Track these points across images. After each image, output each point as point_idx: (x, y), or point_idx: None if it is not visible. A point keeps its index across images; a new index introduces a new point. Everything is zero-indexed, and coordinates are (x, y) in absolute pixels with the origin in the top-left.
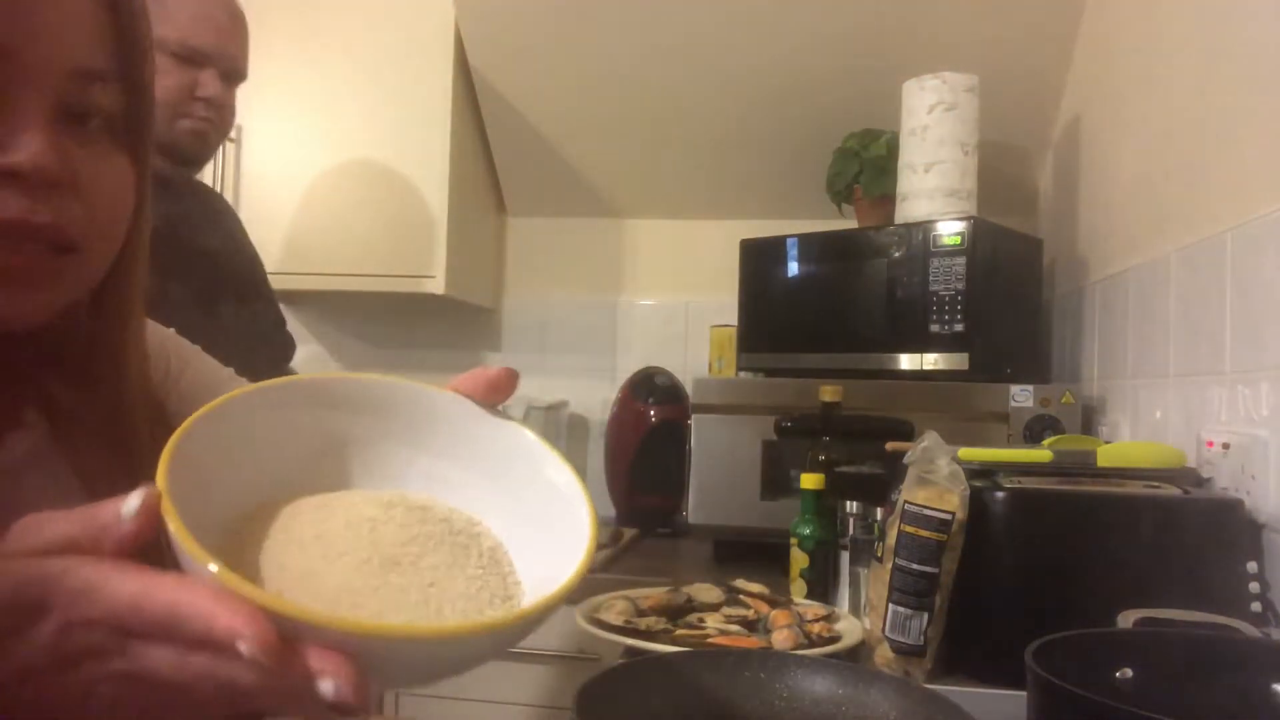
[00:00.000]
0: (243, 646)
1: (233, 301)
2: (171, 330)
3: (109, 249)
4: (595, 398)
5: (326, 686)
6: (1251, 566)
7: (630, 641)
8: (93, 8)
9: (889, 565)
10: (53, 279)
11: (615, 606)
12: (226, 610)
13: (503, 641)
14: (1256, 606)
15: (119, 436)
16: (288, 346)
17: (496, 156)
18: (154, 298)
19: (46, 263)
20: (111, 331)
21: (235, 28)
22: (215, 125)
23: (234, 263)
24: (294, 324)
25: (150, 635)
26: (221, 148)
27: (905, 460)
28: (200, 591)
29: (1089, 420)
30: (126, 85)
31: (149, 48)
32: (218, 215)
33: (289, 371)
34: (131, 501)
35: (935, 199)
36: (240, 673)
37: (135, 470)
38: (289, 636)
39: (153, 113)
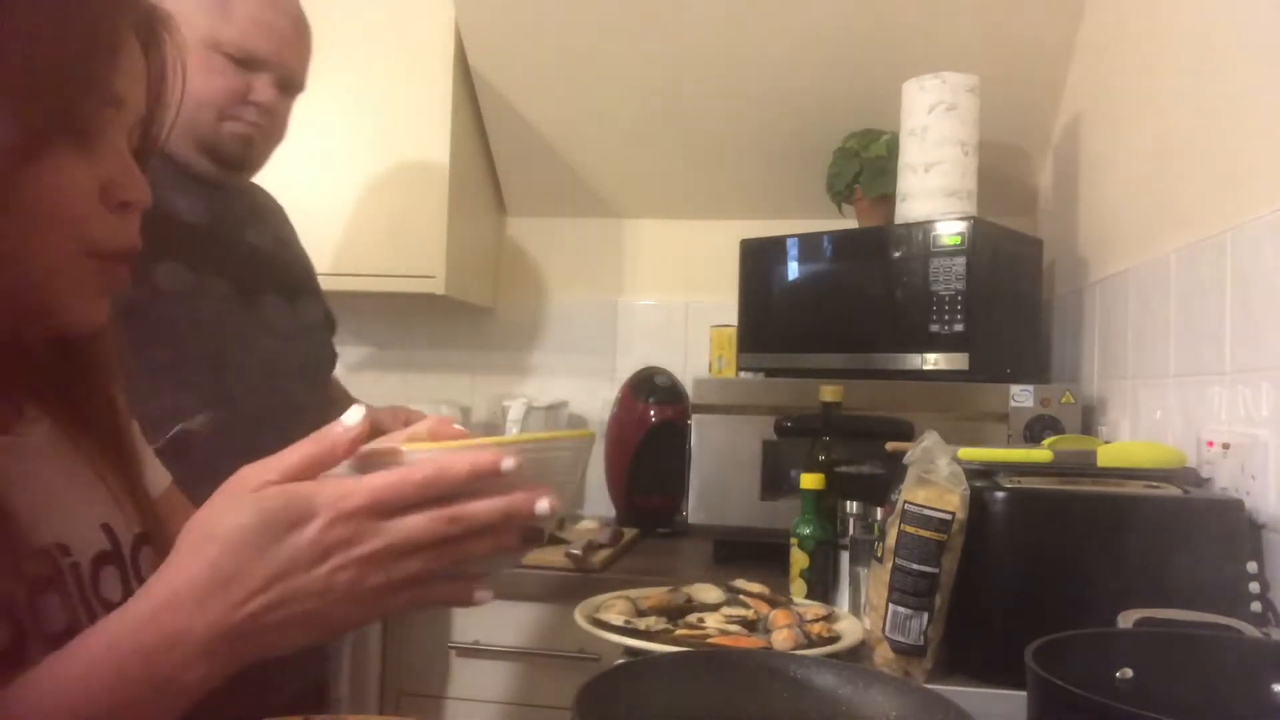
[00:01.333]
0: (508, 462)
1: (275, 296)
2: None
3: None
4: (595, 398)
5: (543, 504)
6: (1251, 566)
7: (630, 641)
8: (139, 59)
9: (889, 565)
10: (117, 287)
11: (615, 606)
12: (478, 455)
13: (584, 446)
14: (1256, 606)
15: (110, 425)
16: (328, 346)
17: (496, 156)
18: (194, 289)
19: (122, 275)
20: (106, 333)
21: (298, 38)
22: (263, 131)
23: (278, 260)
24: None
25: (407, 508)
26: None
27: (905, 460)
28: (449, 457)
29: (1089, 420)
30: (148, 118)
31: (170, 82)
32: (264, 215)
33: (327, 364)
34: (354, 414)
35: (935, 199)
36: (482, 511)
37: (126, 451)
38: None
39: (155, 141)
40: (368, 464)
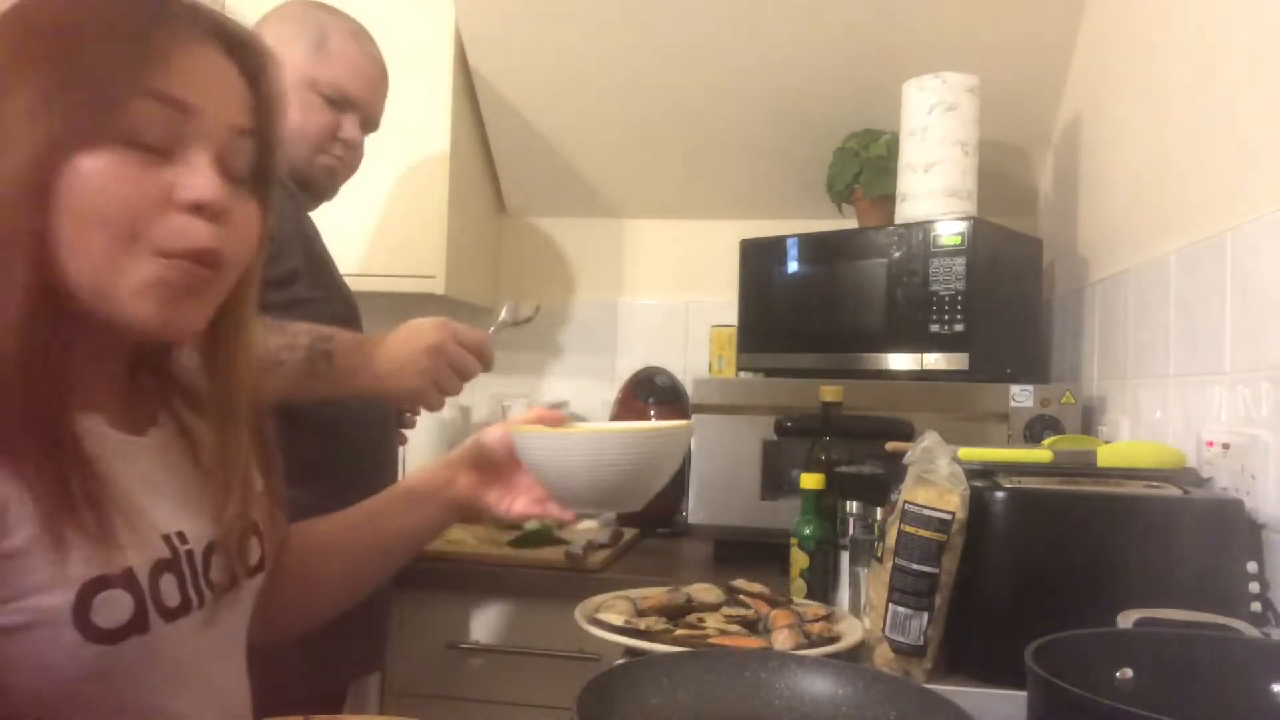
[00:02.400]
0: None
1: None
2: None
3: (238, 274)
4: (595, 398)
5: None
6: (1251, 566)
7: (630, 642)
8: (241, 85)
9: (889, 565)
10: (212, 294)
11: (615, 607)
12: None
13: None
14: (1256, 606)
15: (227, 431)
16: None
17: (496, 157)
18: (321, 299)
19: (211, 280)
20: (230, 342)
21: (381, 83)
22: (346, 165)
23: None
24: None
25: None
26: None
27: (905, 460)
28: (557, 441)
29: (1089, 420)
30: (261, 142)
31: (280, 115)
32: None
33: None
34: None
35: (935, 199)
36: None
37: (236, 457)
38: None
39: (277, 162)
40: None
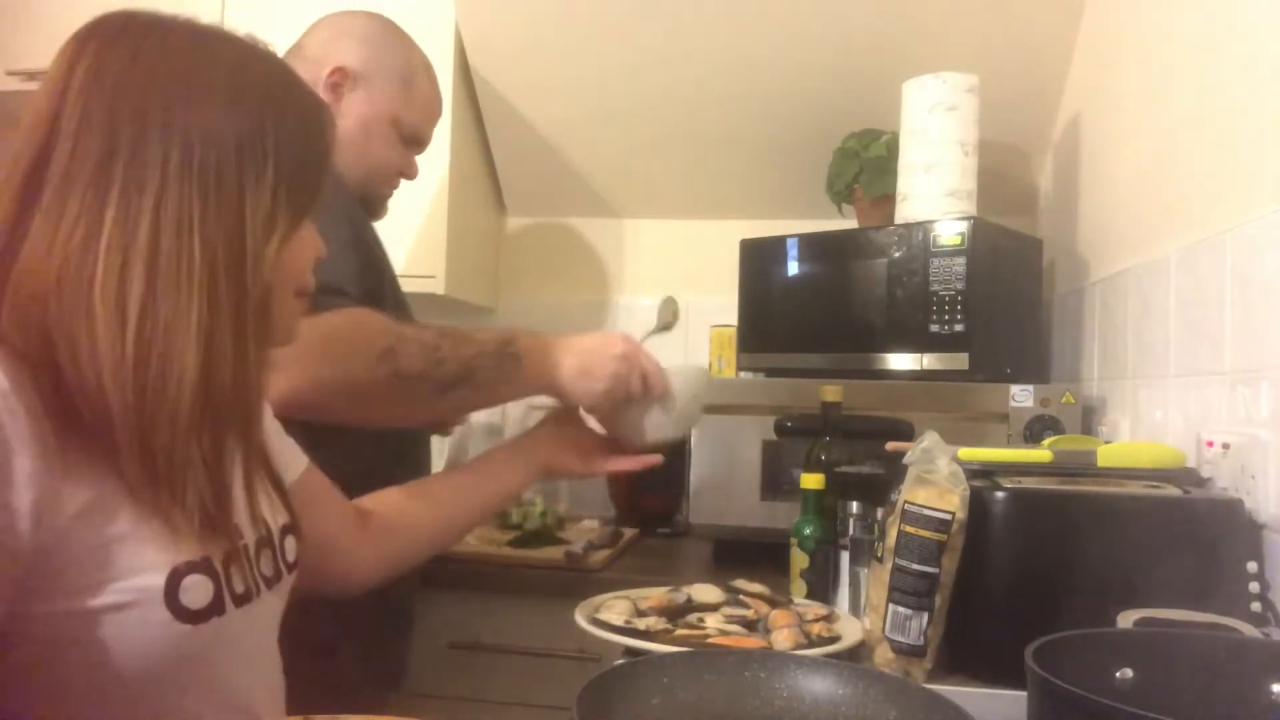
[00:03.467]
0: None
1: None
2: None
3: None
4: None
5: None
6: (1251, 566)
7: (630, 642)
8: None
9: (889, 565)
10: None
11: (615, 607)
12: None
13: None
14: (1256, 606)
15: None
16: None
17: (496, 156)
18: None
19: None
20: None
21: (439, 116)
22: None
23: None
24: None
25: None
26: None
27: (905, 460)
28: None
29: (1089, 420)
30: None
31: (331, 160)
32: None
33: None
34: None
35: (935, 199)
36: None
37: (268, 458)
38: None
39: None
40: None
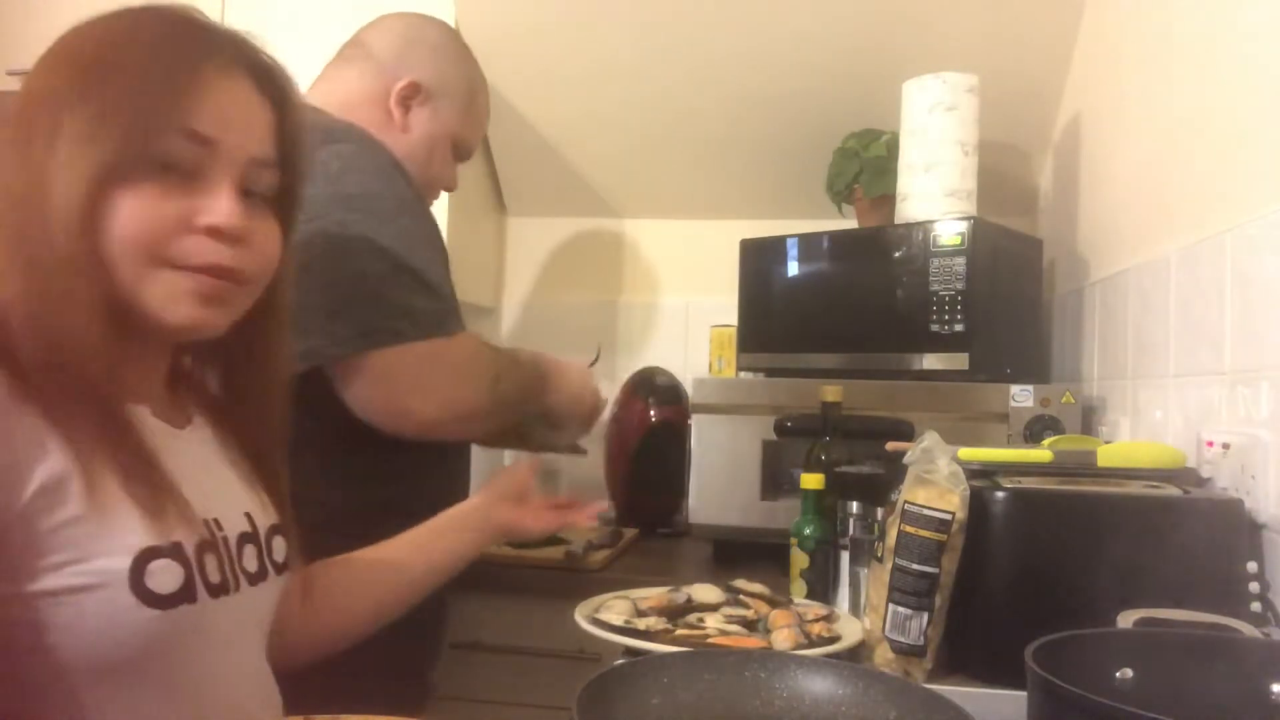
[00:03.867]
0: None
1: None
2: None
3: (261, 287)
4: None
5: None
6: (1251, 566)
7: (630, 642)
8: (267, 116)
9: (889, 565)
10: (232, 304)
11: (615, 607)
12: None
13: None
14: (1256, 606)
15: (262, 441)
16: None
17: (496, 156)
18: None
19: (231, 291)
20: (264, 347)
21: None
22: None
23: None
24: None
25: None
26: None
27: (905, 460)
28: None
29: (1089, 420)
30: (284, 171)
31: (304, 146)
32: None
33: None
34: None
35: (935, 199)
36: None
37: (271, 462)
38: None
39: (301, 189)
40: None
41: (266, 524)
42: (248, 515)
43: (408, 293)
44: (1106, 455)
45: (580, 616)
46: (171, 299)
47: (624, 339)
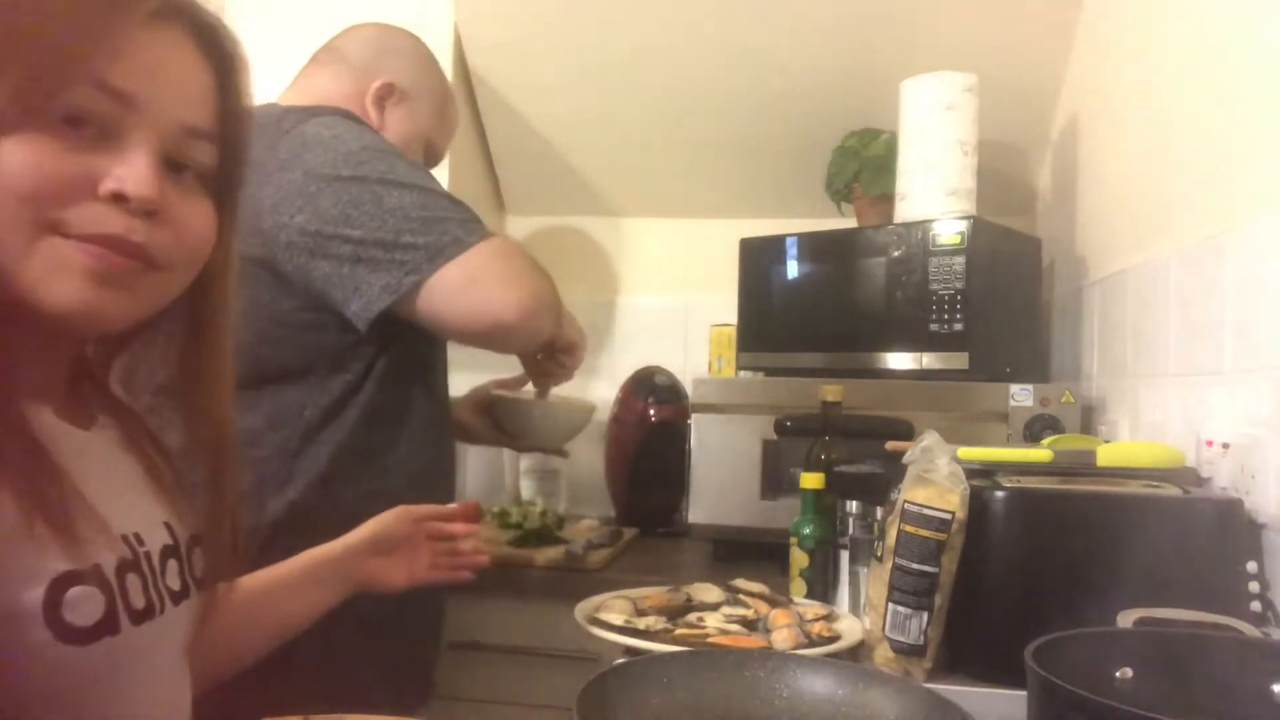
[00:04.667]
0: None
1: None
2: None
3: (188, 274)
4: (595, 397)
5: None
6: (1251, 566)
7: (630, 641)
8: (206, 81)
9: (889, 565)
10: (137, 288)
11: (615, 606)
12: None
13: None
14: (1256, 606)
15: (205, 441)
16: None
17: (495, 156)
18: None
19: (135, 273)
20: (197, 348)
21: None
22: None
23: None
24: None
25: None
26: None
27: (905, 460)
28: None
29: (1089, 420)
30: (221, 147)
31: (246, 121)
32: None
33: None
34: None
35: (934, 198)
36: None
37: (219, 468)
38: None
39: (242, 172)
40: None
41: (186, 534)
42: (167, 526)
43: (447, 208)
44: (1106, 455)
45: (580, 616)
46: (51, 272)
47: (623, 338)
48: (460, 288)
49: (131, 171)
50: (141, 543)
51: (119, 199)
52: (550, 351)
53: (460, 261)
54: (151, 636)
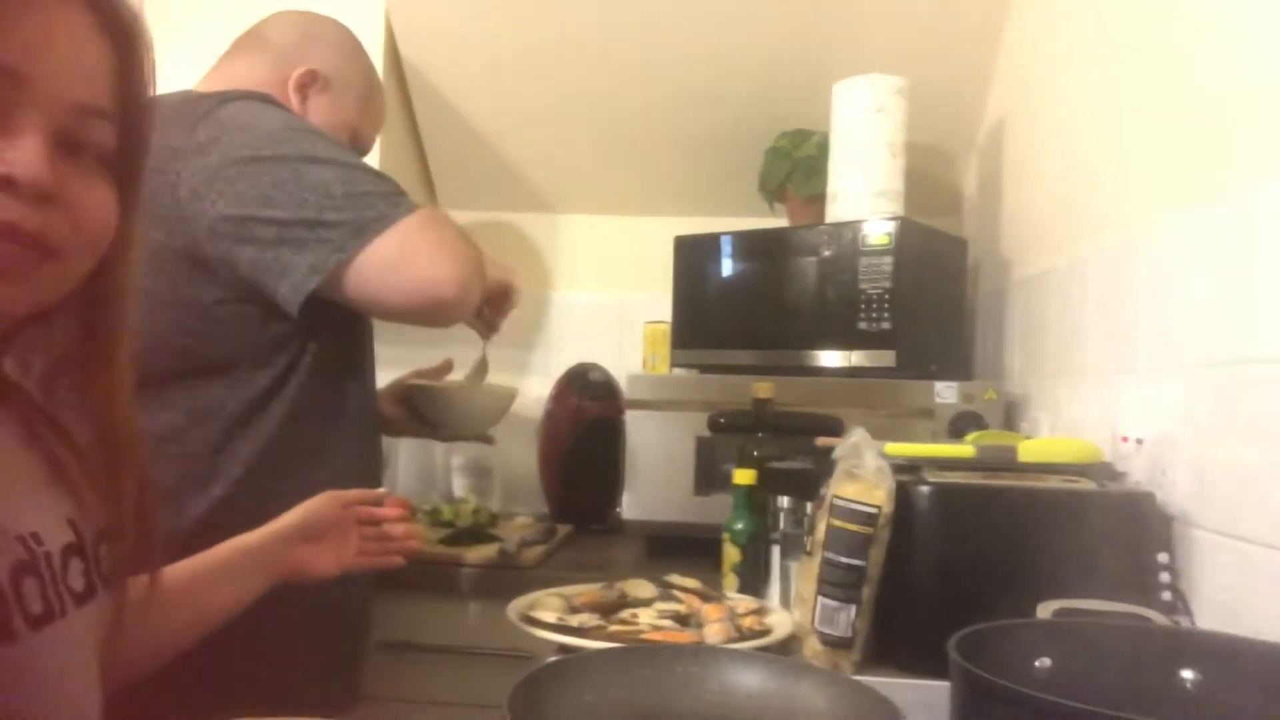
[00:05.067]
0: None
1: None
2: None
3: (86, 262)
4: (529, 394)
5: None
6: (1162, 557)
7: (563, 639)
8: (104, 58)
9: (818, 558)
10: (33, 278)
11: (549, 604)
12: None
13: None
14: (1166, 596)
15: (104, 434)
16: None
17: (428, 149)
18: None
19: (29, 263)
20: (94, 338)
21: None
22: None
23: None
24: None
25: None
26: None
27: (834, 455)
28: None
29: (1011, 416)
30: (122, 128)
31: (149, 100)
32: None
33: None
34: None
35: (864, 199)
36: None
37: (118, 461)
38: None
39: (144, 154)
40: None
41: (92, 530)
42: (70, 522)
43: (371, 182)
44: (1027, 450)
45: (513, 614)
46: None
47: (557, 334)
48: (391, 264)
49: (20, 155)
50: (40, 542)
51: (8, 184)
52: (483, 308)
53: (387, 236)
54: (53, 642)
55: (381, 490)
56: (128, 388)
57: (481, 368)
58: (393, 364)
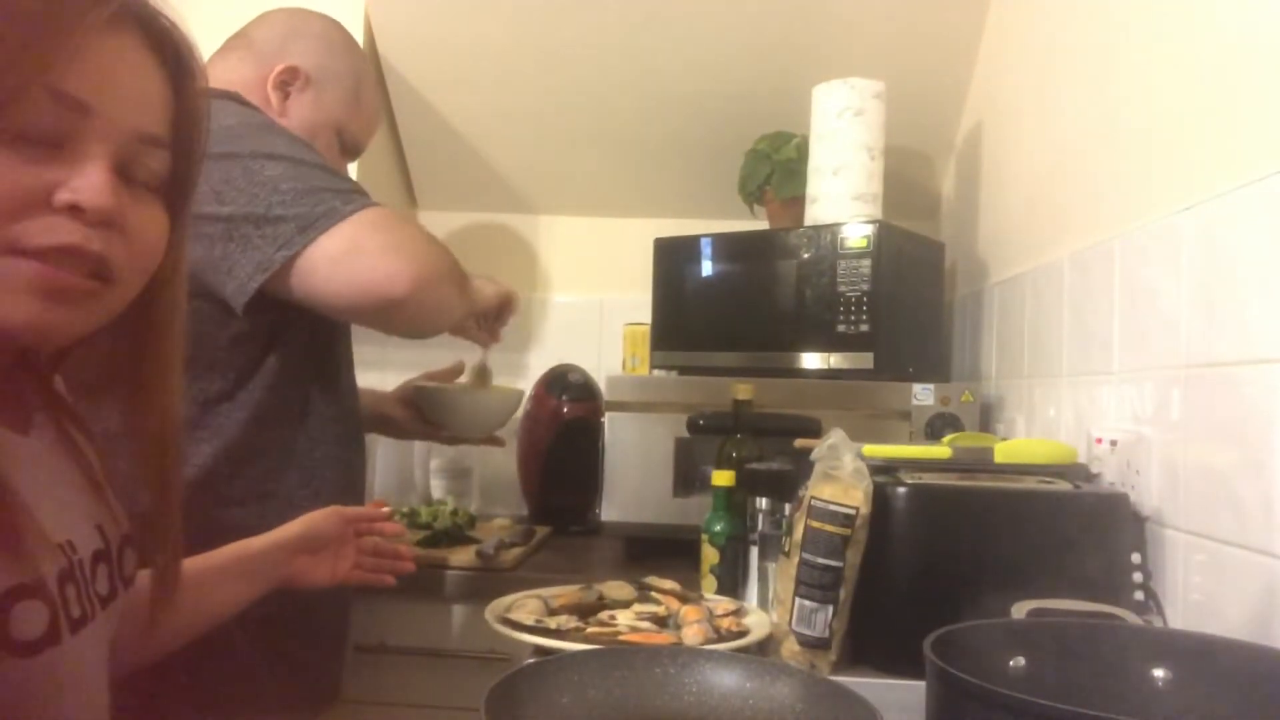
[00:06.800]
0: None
1: None
2: None
3: (138, 284)
4: None
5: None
6: (1135, 557)
7: (541, 641)
8: (160, 88)
9: (796, 559)
10: (89, 302)
11: (526, 606)
12: None
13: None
14: (1139, 595)
15: (145, 447)
16: None
17: (407, 149)
18: None
19: (88, 289)
20: (140, 354)
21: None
22: None
23: None
24: None
25: None
26: None
27: (812, 457)
28: None
29: (987, 418)
30: (176, 154)
31: (201, 129)
32: None
33: None
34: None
35: (843, 202)
36: None
37: (165, 482)
38: None
39: (195, 180)
40: None
41: (119, 535)
42: (99, 529)
43: (324, 179)
44: (1003, 452)
45: (491, 616)
46: (6, 290)
47: (537, 336)
48: (338, 261)
49: (86, 183)
50: (74, 550)
51: (75, 210)
52: (483, 319)
53: (335, 234)
54: (85, 644)
55: (385, 510)
56: (179, 410)
57: (483, 374)
58: (404, 366)
